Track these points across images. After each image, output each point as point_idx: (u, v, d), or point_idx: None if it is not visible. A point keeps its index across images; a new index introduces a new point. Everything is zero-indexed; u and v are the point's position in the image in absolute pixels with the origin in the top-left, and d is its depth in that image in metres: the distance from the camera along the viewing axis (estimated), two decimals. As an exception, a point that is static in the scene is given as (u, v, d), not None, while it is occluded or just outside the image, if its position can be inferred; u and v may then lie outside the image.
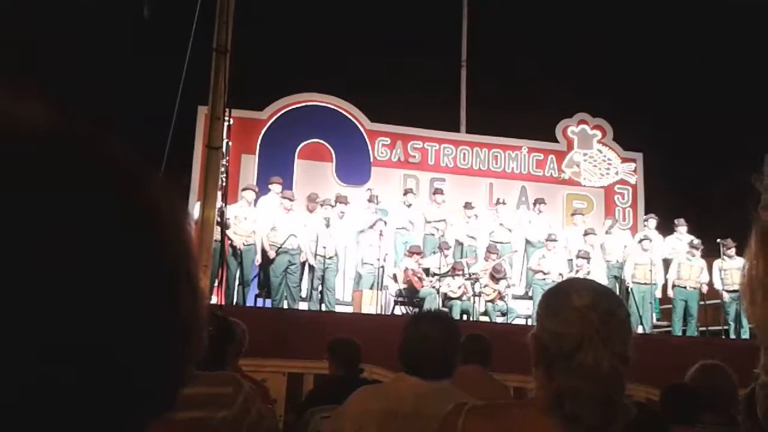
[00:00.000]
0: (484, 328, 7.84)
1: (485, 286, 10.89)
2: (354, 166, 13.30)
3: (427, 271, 10.93)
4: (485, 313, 10.84)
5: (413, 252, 10.79)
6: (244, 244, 10.19)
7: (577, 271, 10.80)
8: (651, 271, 11.30)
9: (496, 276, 10.88)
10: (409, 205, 11.97)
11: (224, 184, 8.43)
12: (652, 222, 12.20)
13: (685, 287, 11.29)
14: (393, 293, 10.80)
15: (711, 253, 11.60)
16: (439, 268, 10.91)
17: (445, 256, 11.06)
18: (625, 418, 1.48)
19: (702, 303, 11.35)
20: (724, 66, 16.61)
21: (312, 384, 7.33)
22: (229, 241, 9.84)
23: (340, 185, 12.84)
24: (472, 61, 14.89)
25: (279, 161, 12.83)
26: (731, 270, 10.92)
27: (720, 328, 11.40)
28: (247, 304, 10.36)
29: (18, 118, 0.46)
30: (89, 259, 0.43)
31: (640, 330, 10.75)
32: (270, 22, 14.62)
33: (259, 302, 10.56)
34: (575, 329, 1.49)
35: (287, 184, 11.90)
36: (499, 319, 10.76)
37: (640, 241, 11.60)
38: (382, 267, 10.72)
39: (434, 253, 11.23)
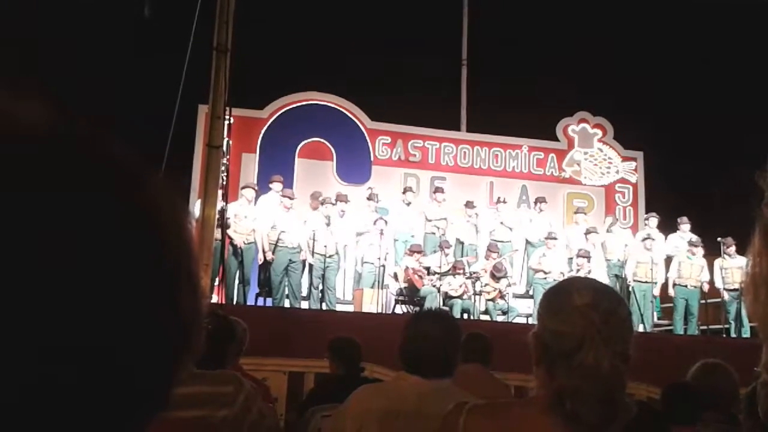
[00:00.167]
0: (484, 326, 7.84)
1: (486, 285, 10.90)
2: (354, 165, 13.29)
3: (427, 269, 10.93)
4: (486, 312, 10.84)
5: (414, 251, 10.80)
6: (244, 243, 10.19)
7: (578, 270, 10.80)
8: (652, 269, 11.31)
9: (496, 275, 10.88)
10: (409, 204, 11.97)
11: (225, 183, 8.45)
12: (653, 221, 12.19)
13: (686, 286, 11.30)
14: (394, 292, 10.80)
15: (712, 252, 11.60)
16: (440, 267, 10.91)
17: (446, 255, 11.06)
18: (625, 417, 1.48)
19: (703, 302, 11.36)
20: (724, 65, 16.60)
21: (313, 383, 7.32)
22: (230, 240, 9.85)
23: (340, 184, 12.84)
24: (472, 59, 14.89)
25: (279, 160, 12.82)
26: (732, 269, 10.92)
27: (721, 326, 11.40)
28: (248, 303, 10.37)
29: (18, 117, 0.46)
30: (89, 259, 0.43)
31: (641, 329, 10.75)
32: (270, 21, 14.61)
33: (260, 301, 10.57)
34: (576, 328, 1.48)
35: (288, 183, 11.90)
36: (500, 318, 10.76)
37: (644, 239, 11.60)
38: (383, 266, 10.72)
39: (435, 251, 11.23)
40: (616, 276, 11.56)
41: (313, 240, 10.36)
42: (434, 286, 10.68)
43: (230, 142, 8.87)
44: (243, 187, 10.76)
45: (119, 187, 0.47)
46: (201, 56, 8.36)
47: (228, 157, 8.75)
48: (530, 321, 10.93)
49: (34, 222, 0.42)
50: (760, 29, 14.37)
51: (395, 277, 10.88)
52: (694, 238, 11.52)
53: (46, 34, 11.08)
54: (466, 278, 10.78)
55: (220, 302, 9.36)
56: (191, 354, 0.51)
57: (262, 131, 13.13)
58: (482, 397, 2.04)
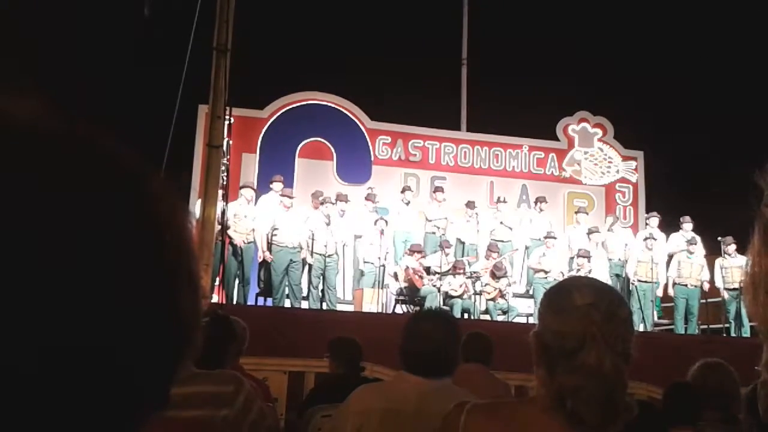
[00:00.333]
0: (485, 326, 7.84)
1: (486, 284, 10.90)
2: (355, 164, 13.29)
3: (428, 269, 10.93)
4: (486, 312, 10.84)
5: (414, 250, 10.79)
6: (244, 242, 10.19)
7: (578, 270, 10.79)
8: (653, 269, 11.31)
9: (496, 273, 10.88)
10: (408, 203, 11.97)
11: (225, 182, 8.45)
12: (654, 220, 12.18)
13: (686, 285, 11.30)
14: (394, 292, 10.80)
15: (712, 252, 11.60)
16: (440, 267, 10.91)
17: (446, 255, 11.06)
18: (627, 417, 1.48)
19: (703, 301, 11.36)
20: (724, 64, 16.60)
21: (313, 383, 7.33)
22: (229, 240, 9.84)
23: (340, 184, 12.84)
24: (472, 59, 14.89)
25: (280, 160, 12.82)
26: (732, 268, 10.92)
27: (721, 326, 11.40)
28: (248, 303, 10.37)
29: (18, 117, 0.46)
30: (89, 259, 0.43)
31: (641, 328, 10.75)
32: (270, 21, 14.62)
33: (260, 301, 10.57)
34: (578, 328, 1.48)
35: (288, 183, 11.89)
36: (500, 318, 10.76)
37: (645, 239, 11.60)
38: (383, 266, 10.72)
39: (435, 251, 11.23)
40: (617, 275, 11.57)
41: (313, 240, 10.36)
42: (434, 285, 10.68)
43: (230, 142, 8.88)
44: (242, 187, 10.75)
45: (119, 186, 0.47)
46: (201, 56, 8.36)
47: (228, 157, 8.75)
48: (531, 320, 10.94)
49: (34, 222, 0.42)
50: (760, 28, 14.37)
51: (395, 276, 10.88)
52: (692, 236, 11.53)
53: (46, 34, 11.07)
54: (467, 278, 10.78)
55: (220, 302, 9.36)
56: (190, 353, 0.51)
57: (263, 131, 13.13)
58: (483, 397, 2.04)
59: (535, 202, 12.72)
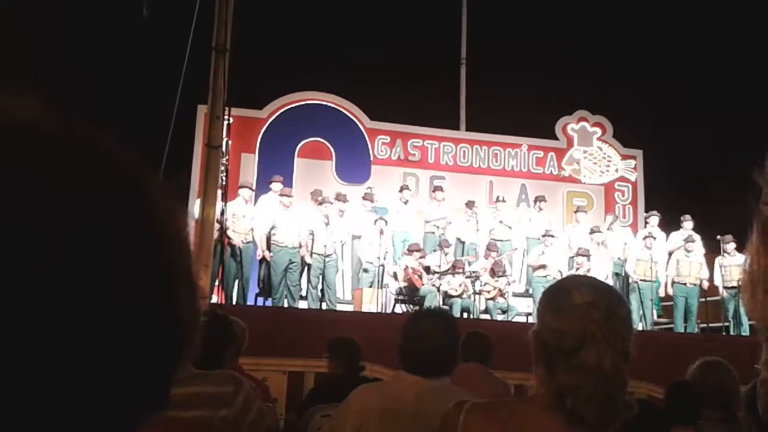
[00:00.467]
0: (484, 326, 7.84)
1: (485, 284, 10.90)
2: (354, 164, 13.29)
3: (427, 269, 10.93)
4: (486, 311, 10.84)
5: (412, 250, 10.79)
6: (243, 242, 10.19)
7: (578, 269, 10.80)
8: (652, 267, 11.31)
9: (495, 270, 10.89)
10: (406, 202, 11.96)
11: (224, 183, 8.44)
12: (654, 219, 12.19)
13: (685, 284, 11.31)
14: (393, 291, 10.80)
15: (712, 251, 11.61)
16: (440, 266, 10.91)
17: (446, 254, 11.06)
18: (626, 416, 1.48)
19: (702, 300, 11.36)
20: (722, 62, 16.61)
21: (313, 383, 7.33)
22: (228, 240, 9.83)
23: (340, 184, 12.84)
24: (471, 59, 14.89)
25: (279, 160, 12.82)
26: (730, 266, 10.93)
27: (721, 324, 11.41)
28: (248, 303, 10.37)
29: (18, 117, 0.46)
30: (89, 259, 0.43)
31: (640, 327, 10.76)
32: (269, 21, 14.61)
33: (260, 301, 10.57)
34: (577, 327, 1.48)
35: (287, 183, 11.88)
36: (500, 317, 10.76)
37: (644, 238, 11.61)
38: (383, 265, 10.72)
39: (434, 251, 11.23)
40: (617, 274, 11.58)
41: (313, 239, 10.36)
42: (434, 285, 10.68)
43: (229, 142, 8.87)
44: (240, 187, 10.74)
45: (118, 186, 0.47)
46: (200, 56, 8.35)
47: (227, 157, 8.74)
48: (530, 320, 10.94)
49: (34, 222, 0.42)
50: (761, 25, 14.37)
51: (395, 276, 10.88)
52: (689, 234, 11.53)
53: (46, 34, 11.06)
54: (466, 277, 10.78)
55: (219, 302, 9.36)
56: (189, 353, 0.51)
57: (262, 131, 13.13)
58: (482, 396, 2.04)
59: (535, 201, 12.72)
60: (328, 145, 13.33)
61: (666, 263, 11.63)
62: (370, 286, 10.59)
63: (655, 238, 11.56)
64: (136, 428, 0.48)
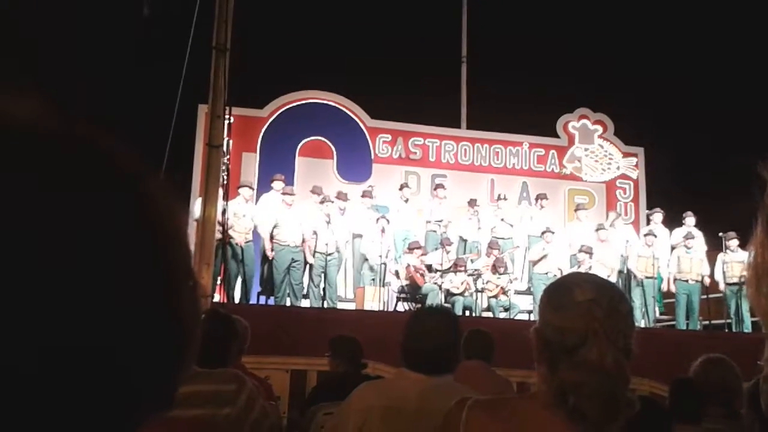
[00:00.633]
0: (486, 323, 7.84)
1: (488, 281, 10.90)
2: (355, 163, 13.29)
3: (429, 267, 10.93)
4: (488, 309, 10.84)
5: (413, 248, 10.79)
6: (244, 242, 10.19)
7: (579, 266, 10.80)
8: (653, 264, 11.30)
9: (497, 266, 10.89)
10: (406, 200, 11.96)
11: (225, 182, 8.45)
12: (658, 216, 12.18)
13: (686, 281, 11.30)
14: (395, 290, 10.80)
15: (714, 247, 11.60)
16: (442, 264, 10.91)
17: (447, 252, 11.06)
18: (628, 412, 1.48)
19: (704, 297, 11.35)
20: (724, 59, 16.59)
21: (315, 381, 7.33)
22: (229, 239, 9.84)
23: (341, 182, 12.84)
24: (472, 57, 14.88)
25: (280, 159, 12.82)
26: (732, 263, 10.92)
27: (723, 321, 11.40)
28: (250, 302, 10.37)
29: (18, 117, 0.46)
30: (89, 259, 0.43)
31: (643, 324, 10.76)
32: (270, 20, 14.61)
33: (262, 300, 10.57)
34: (579, 324, 1.48)
35: (288, 182, 11.87)
36: (502, 315, 10.76)
37: (646, 235, 11.61)
38: (384, 264, 10.72)
39: (436, 249, 11.23)
40: (619, 271, 11.57)
41: (316, 238, 10.36)
42: (436, 283, 10.68)
43: (230, 141, 8.87)
44: (240, 186, 10.73)
45: (118, 186, 0.47)
46: (201, 55, 8.36)
47: (228, 156, 8.75)
48: (532, 317, 10.93)
49: (34, 221, 0.42)
50: (760, 24, 14.35)
51: (397, 274, 10.88)
52: (689, 231, 11.52)
53: (46, 34, 11.07)
54: (468, 275, 10.78)
55: (221, 301, 9.38)
56: (191, 353, 0.51)
57: (263, 130, 13.13)
58: (484, 394, 2.04)
59: (536, 199, 12.72)
60: (329, 143, 13.33)
61: (668, 260, 11.63)
62: (372, 285, 10.60)
63: (656, 236, 11.55)
64: (139, 428, 0.48)
